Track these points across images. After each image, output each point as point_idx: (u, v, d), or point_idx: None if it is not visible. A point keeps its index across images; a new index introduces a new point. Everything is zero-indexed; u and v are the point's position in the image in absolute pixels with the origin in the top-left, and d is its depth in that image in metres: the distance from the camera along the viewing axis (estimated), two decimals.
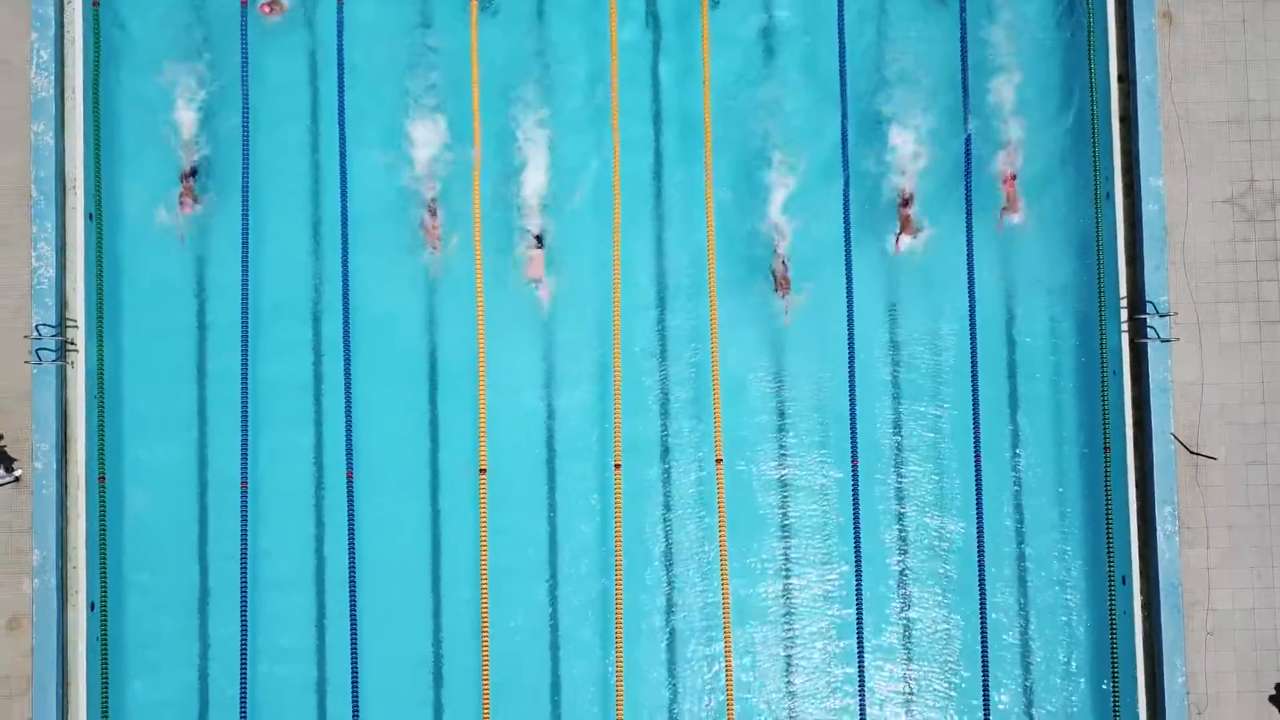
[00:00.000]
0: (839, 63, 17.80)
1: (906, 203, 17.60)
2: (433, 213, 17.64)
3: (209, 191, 17.67)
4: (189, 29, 17.76)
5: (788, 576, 17.54)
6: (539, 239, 17.60)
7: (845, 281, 17.45)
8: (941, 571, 17.57)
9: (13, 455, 16.85)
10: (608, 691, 17.10)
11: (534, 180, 17.68)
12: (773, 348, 17.76)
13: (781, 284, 17.61)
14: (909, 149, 17.69)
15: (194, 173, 17.53)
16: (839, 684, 17.37)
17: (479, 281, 17.17)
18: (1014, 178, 17.60)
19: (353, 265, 17.39)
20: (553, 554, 17.45)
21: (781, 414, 17.67)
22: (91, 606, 17.00)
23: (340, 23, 17.64)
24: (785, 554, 17.56)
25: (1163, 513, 16.79)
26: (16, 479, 16.74)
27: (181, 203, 17.45)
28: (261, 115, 17.62)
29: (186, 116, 17.64)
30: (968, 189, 17.54)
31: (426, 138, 17.73)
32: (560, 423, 17.59)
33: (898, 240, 17.57)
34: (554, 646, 17.40)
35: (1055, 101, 17.78)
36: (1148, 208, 17.00)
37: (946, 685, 17.37)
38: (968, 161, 17.61)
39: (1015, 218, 17.66)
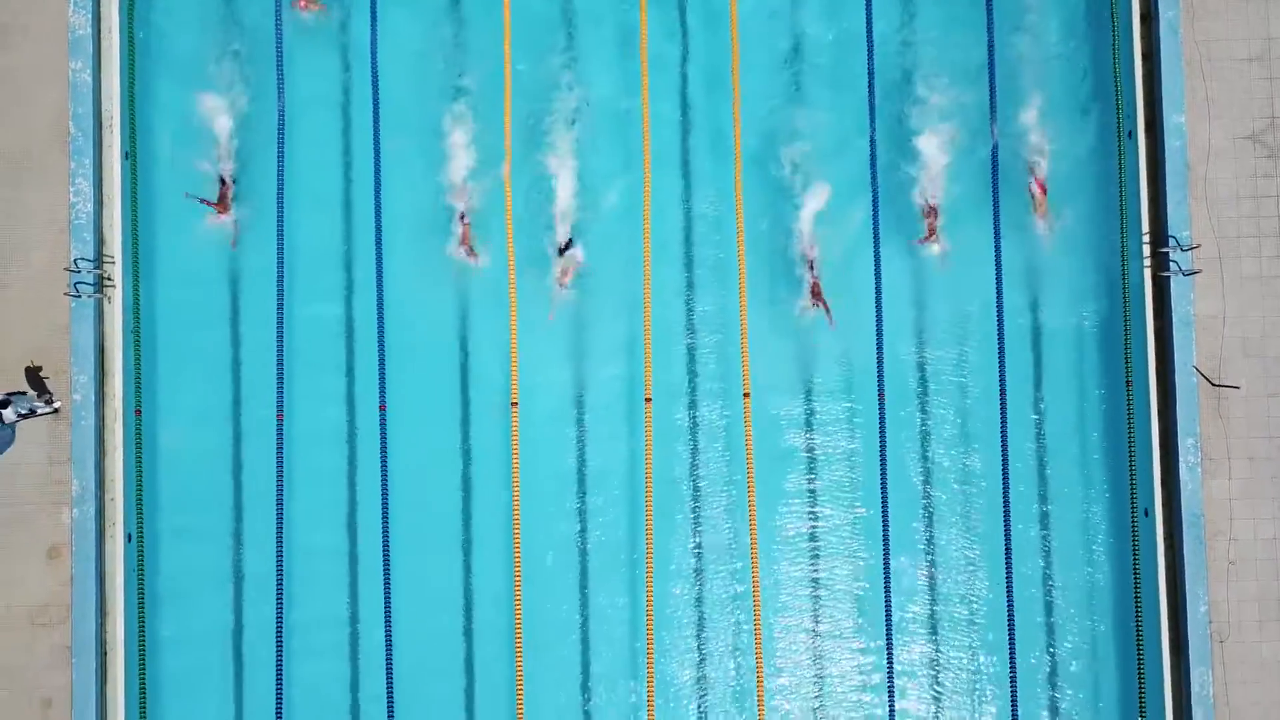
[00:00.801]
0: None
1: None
2: (462, 219, 17.83)
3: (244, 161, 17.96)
4: None
5: (814, 511, 17.78)
6: (567, 245, 17.74)
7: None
8: (965, 506, 17.77)
9: (51, 388, 17.08)
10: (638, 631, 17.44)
11: (565, 188, 17.90)
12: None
13: (813, 293, 17.73)
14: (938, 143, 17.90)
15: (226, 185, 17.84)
16: (862, 627, 17.65)
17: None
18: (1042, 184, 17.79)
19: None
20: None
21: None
22: (129, 538, 17.25)
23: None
24: (811, 488, 17.81)
25: (1185, 444, 17.00)
26: (56, 410, 16.99)
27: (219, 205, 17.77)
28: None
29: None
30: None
31: (459, 141, 17.97)
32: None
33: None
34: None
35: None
36: (1170, 144, 17.21)
37: (969, 615, 17.58)
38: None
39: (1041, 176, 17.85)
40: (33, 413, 16.60)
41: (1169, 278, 17.09)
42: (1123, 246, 17.39)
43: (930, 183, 17.73)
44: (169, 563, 17.53)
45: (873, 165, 17.74)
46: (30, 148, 17.33)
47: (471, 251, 17.77)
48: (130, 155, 17.63)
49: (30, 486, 17.02)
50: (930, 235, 17.68)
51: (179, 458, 17.64)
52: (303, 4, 18.00)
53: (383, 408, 17.41)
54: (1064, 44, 18.01)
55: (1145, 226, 17.38)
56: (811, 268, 17.71)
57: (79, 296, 16.95)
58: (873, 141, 17.76)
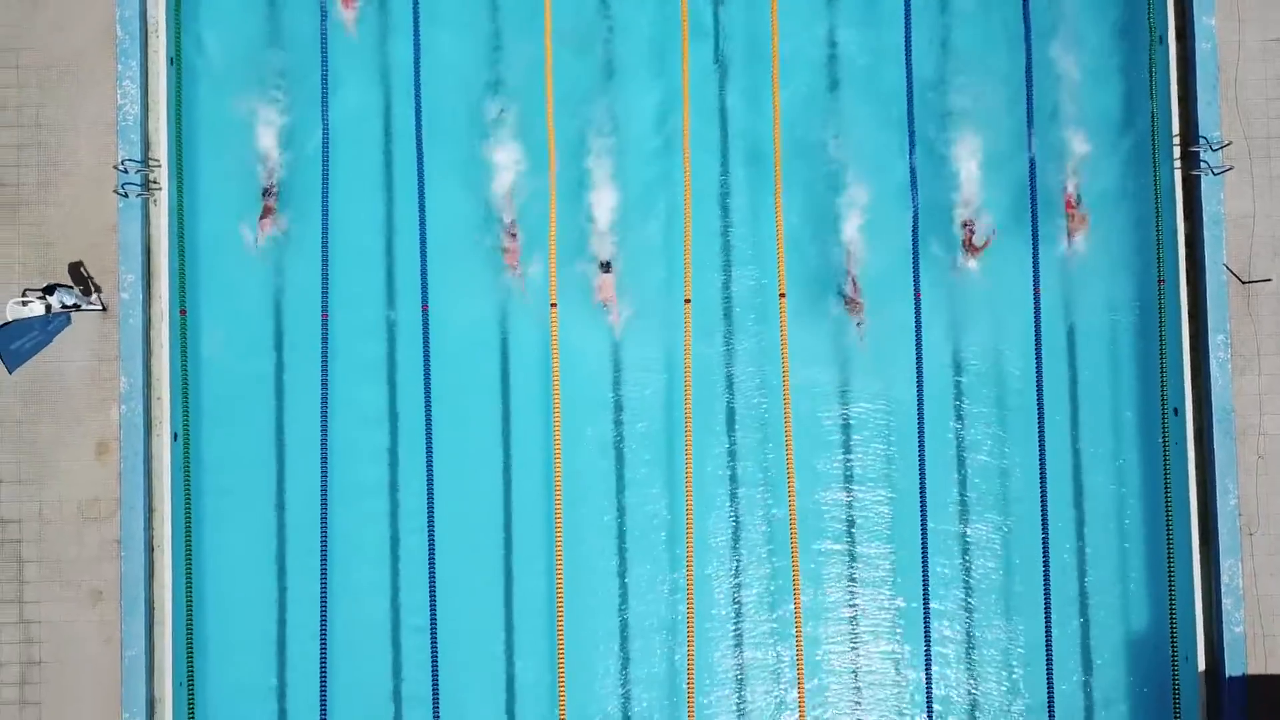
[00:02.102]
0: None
1: None
2: (512, 235, 18.04)
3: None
4: None
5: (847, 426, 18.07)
6: (607, 264, 17.94)
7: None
8: (997, 409, 18.02)
9: (96, 286, 17.35)
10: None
11: (605, 205, 18.10)
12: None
13: (852, 306, 17.95)
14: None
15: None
16: (894, 524, 17.93)
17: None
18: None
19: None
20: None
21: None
22: (175, 437, 17.53)
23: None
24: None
25: (1215, 341, 17.26)
26: (103, 309, 17.27)
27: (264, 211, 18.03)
28: None
29: None
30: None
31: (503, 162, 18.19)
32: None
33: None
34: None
35: None
36: (1200, 46, 17.44)
37: (1002, 511, 17.85)
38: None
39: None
40: (78, 306, 16.87)
41: (1199, 177, 17.33)
42: (1153, 148, 17.63)
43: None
44: (214, 462, 17.81)
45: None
46: (81, 55, 17.60)
47: (514, 263, 18.01)
48: (175, 61, 17.90)
49: (79, 384, 17.31)
50: None
51: (221, 359, 17.92)
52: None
53: (425, 308, 17.67)
54: None
55: (1175, 128, 17.62)
56: (853, 281, 17.97)
57: (126, 196, 17.22)
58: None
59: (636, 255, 18.11)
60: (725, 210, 18.26)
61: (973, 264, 17.95)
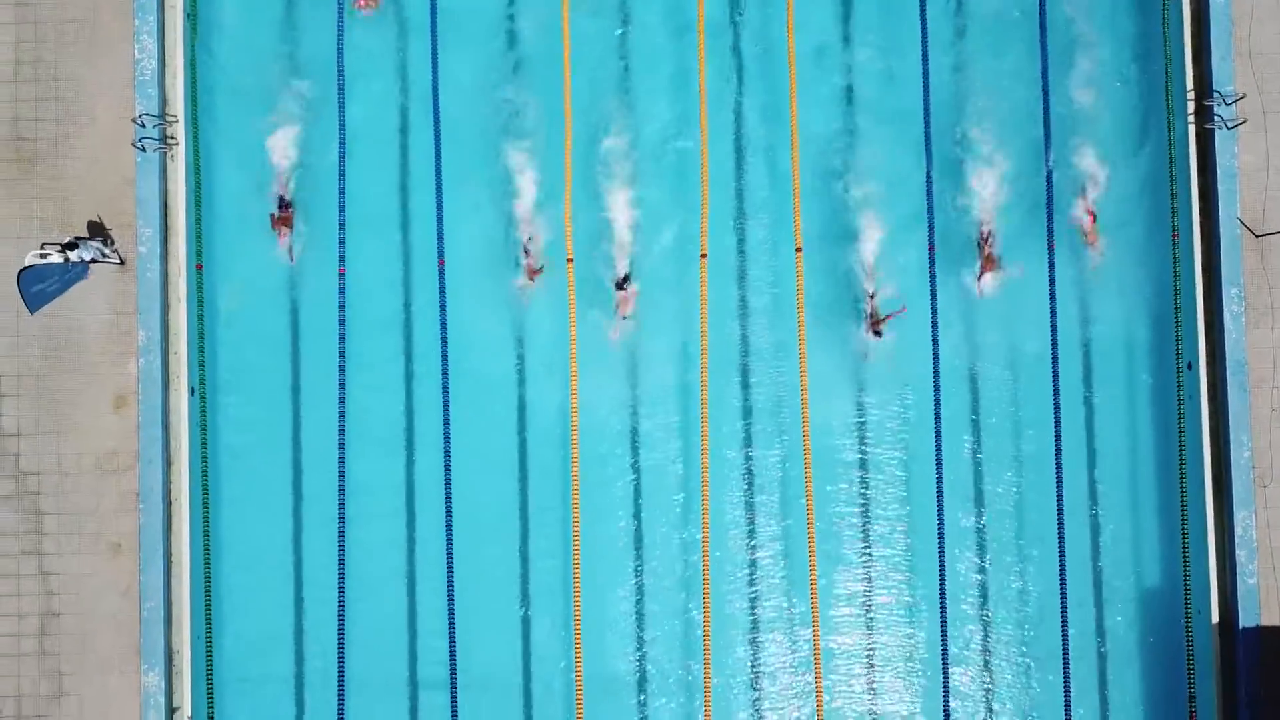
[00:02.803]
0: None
1: None
2: (526, 252, 18.04)
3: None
4: None
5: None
6: (626, 279, 17.95)
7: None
8: (1010, 369, 18.08)
9: (115, 240, 17.43)
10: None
11: (622, 221, 18.12)
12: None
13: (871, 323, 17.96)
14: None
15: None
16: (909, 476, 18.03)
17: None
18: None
19: None
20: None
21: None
22: (192, 391, 17.61)
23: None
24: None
25: (1229, 294, 17.32)
26: (121, 263, 17.34)
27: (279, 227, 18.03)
28: None
29: None
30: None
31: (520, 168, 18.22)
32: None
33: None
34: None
35: None
36: (1215, 1, 17.49)
37: (1016, 467, 17.92)
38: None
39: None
40: (98, 259, 16.95)
41: (1213, 131, 17.38)
42: (1167, 102, 17.68)
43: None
44: (230, 418, 17.90)
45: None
46: (98, 10, 17.61)
47: (532, 276, 18.01)
48: (192, 16, 17.96)
49: (97, 338, 17.39)
50: None
51: (236, 314, 18.00)
52: (362, 3, 18.24)
53: (441, 263, 17.73)
54: None
55: (1189, 82, 17.67)
56: (871, 296, 17.98)
57: (143, 151, 17.28)
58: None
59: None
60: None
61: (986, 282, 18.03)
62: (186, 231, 17.69)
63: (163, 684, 16.97)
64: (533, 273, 17.98)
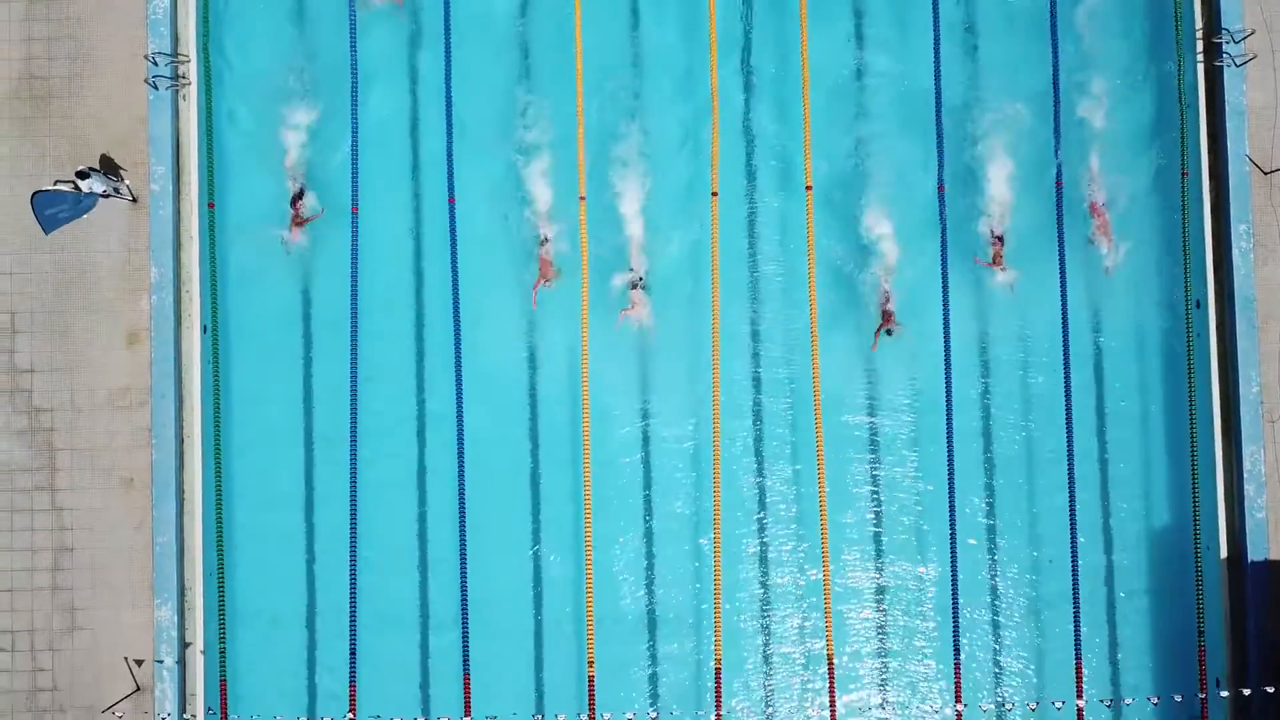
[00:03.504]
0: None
1: None
2: (544, 243, 18.08)
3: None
4: None
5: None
6: (640, 280, 17.97)
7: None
8: (1018, 314, 18.12)
9: (127, 179, 17.51)
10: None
11: (636, 222, 18.12)
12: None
13: (885, 318, 17.96)
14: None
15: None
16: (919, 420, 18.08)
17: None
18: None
19: None
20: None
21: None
22: (204, 329, 17.68)
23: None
24: None
25: (1238, 231, 17.37)
26: (134, 200, 17.43)
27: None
28: None
29: None
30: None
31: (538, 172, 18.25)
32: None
33: None
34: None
35: None
36: None
37: (1024, 407, 17.97)
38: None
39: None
40: (110, 193, 17.03)
41: (1221, 69, 17.42)
42: (1176, 39, 17.72)
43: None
44: (243, 355, 17.95)
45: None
46: None
47: (547, 276, 18.05)
48: None
49: (110, 275, 17.48)
50: None
51: (247, 253, 18.06)
52: None
53: (451, 200, 17.79)
54: None
55: (1198, 20, 17.71)
56: (887, 298, 17.99)
57: (155, 89, 17.37)
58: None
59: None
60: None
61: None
62: (198, 170, 17.76)
63: (175, 618, 17.06)
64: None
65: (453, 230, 17.63)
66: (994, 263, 17.89)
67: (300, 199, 17.92)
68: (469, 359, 17.59)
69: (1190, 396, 17.46)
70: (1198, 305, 17.72)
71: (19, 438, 17.33)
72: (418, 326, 18.08)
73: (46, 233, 17.01)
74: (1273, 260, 17.53)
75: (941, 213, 17.82)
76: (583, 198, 17.57)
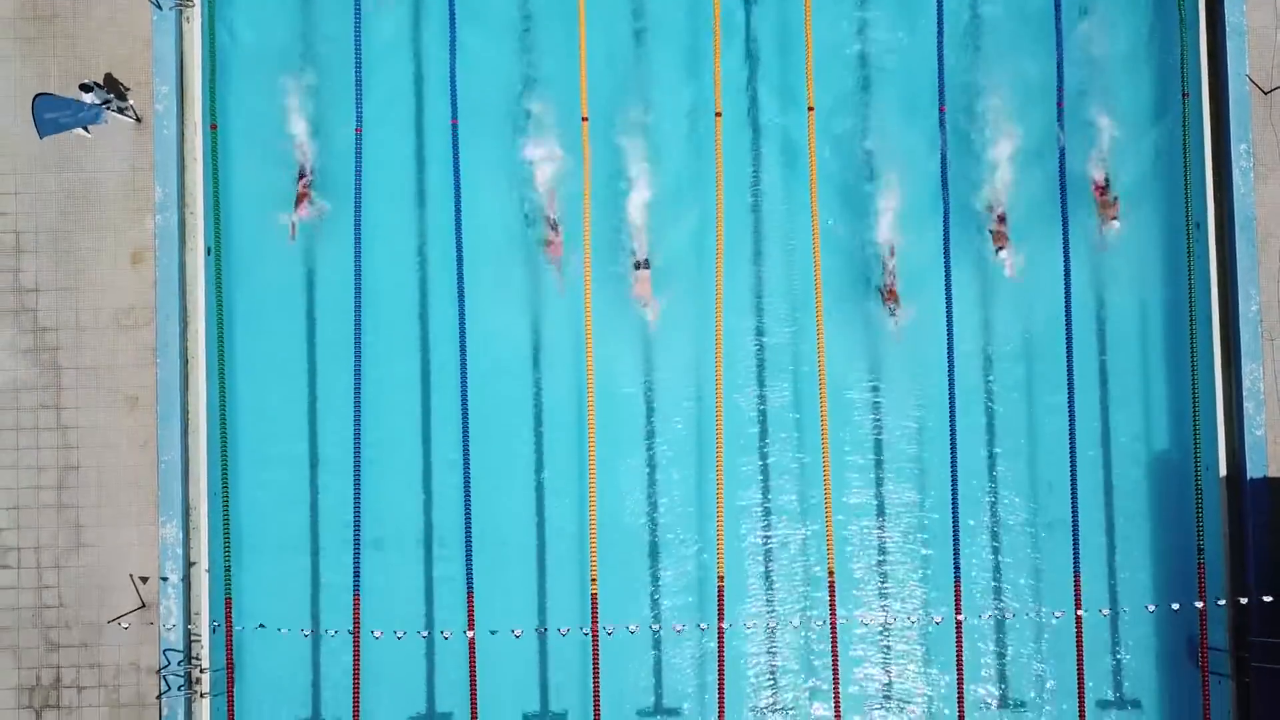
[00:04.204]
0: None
1: None
2: (554, 228, 18.08)
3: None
4: None
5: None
6: (645, 262, 17.98)
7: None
8: (1021, 236, 18.16)
9: (130, 100, 17.57)
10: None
11: (640, 203, 18.16)
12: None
13: (889, 296, 17.94)
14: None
15: None
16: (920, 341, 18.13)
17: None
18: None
19: None
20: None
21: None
22: (208, 251, 17.75)
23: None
24: None
25: (1238, 150, 17.43)
26: (138, 120, 17.49)
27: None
28: None
29: None
30: None
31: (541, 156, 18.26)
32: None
33: None
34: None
35: None
36: None
37: (1025, 333, 18.04)
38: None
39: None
40: (115, 108, 17.08)
41: None
42: None
43: None
44: (245, 277, 18.04)
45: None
46: None
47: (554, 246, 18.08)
48: None
49: (115, 195, 17.54)
50: None
51: (249, 174, 18.13)
52: None
53: (454, 122, 17.85)
54: None
55: None
56: (889, 275, 17.97)
57: (160, 9, 17.41)
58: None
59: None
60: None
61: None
62: (202, 92, 17.80)
63: (180, 535, 17.15)
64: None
65: (455, 150, 17.71)
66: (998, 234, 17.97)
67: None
68: (471, 285, 17.67)
69: (1191, 316, 17.53)
70: (1197, 226, 17.77)
71: (25, 357, 17.41)
72: (420, 252, 18.16)
73: (42, 136, 17.06)
74: (1272, 178, 17.59)
75: (942, 137, 17.90)
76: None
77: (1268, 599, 16.25)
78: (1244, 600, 16.63)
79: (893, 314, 17.83)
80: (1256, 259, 17.39)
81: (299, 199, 17.95)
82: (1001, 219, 17.90)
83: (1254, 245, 17.38)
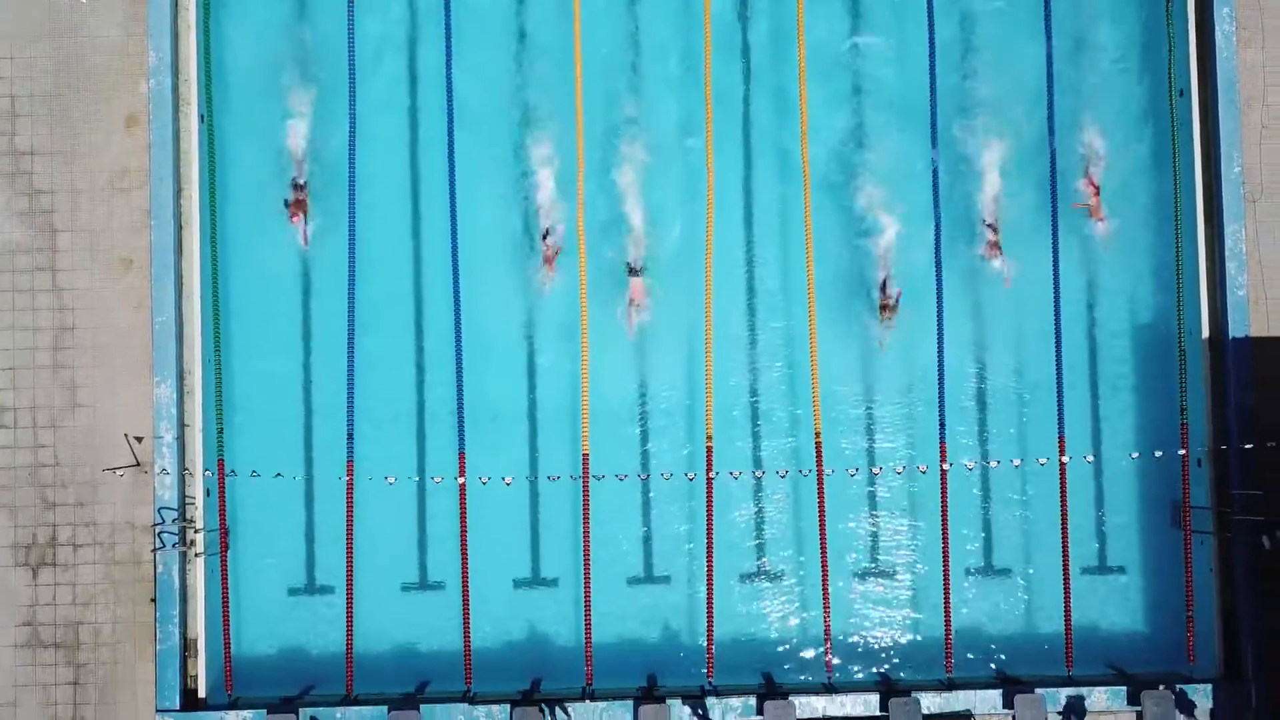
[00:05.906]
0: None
1: None
2: (545, 236, 18.13)
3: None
4: None
5: None
6: (636, 268, 18.03)
7: None
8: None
9: None
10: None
11: (634, 210, 18.21)
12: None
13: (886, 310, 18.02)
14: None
15: None
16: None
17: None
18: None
19: None
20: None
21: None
22: (201, 119, 17.88)
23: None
24: None
25: (1221, 14, 17.62)
26: None
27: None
28: None
29: None
30: None
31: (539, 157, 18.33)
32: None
33: None
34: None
35: None
36: None
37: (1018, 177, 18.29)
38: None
39: None
40: None
41: None
42: None
43: None
44: (236, 147, 18.22)
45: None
46: None
47: (550, 260, 18.13)
48: None
49: (110, 58, 17.69)
50: None
51: (249, 45, 18.33)
52: None
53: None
54: None
55: None
56: (884, 285, 18.05)
57: None
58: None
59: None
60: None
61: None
62: None
63: (174, 395, 17.29)
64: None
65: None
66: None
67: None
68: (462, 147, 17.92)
69: (1175, 181, 17.75)
70: (1181, 94, 17.96)
71: (20, 219, 17.57)
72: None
73: None
74: (1255, 44, 17.78)
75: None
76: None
77: (1248, 446, 16.46)
78: (1224, 447, 16.84)
79: None
80: (1239, 121, 17.59)
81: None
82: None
83: (1236, 108, 17.58)
